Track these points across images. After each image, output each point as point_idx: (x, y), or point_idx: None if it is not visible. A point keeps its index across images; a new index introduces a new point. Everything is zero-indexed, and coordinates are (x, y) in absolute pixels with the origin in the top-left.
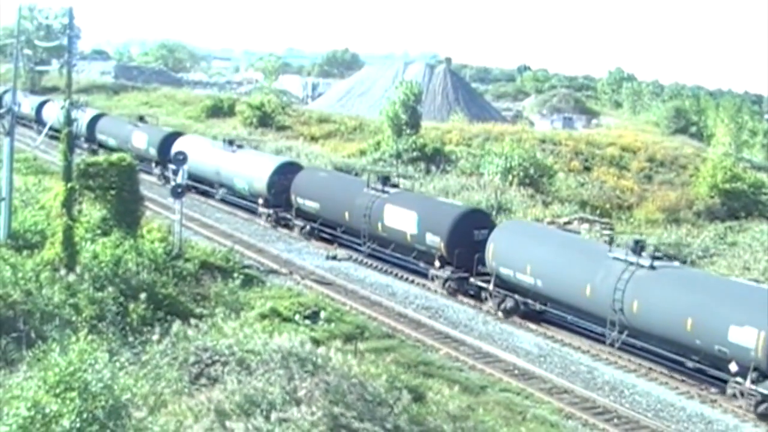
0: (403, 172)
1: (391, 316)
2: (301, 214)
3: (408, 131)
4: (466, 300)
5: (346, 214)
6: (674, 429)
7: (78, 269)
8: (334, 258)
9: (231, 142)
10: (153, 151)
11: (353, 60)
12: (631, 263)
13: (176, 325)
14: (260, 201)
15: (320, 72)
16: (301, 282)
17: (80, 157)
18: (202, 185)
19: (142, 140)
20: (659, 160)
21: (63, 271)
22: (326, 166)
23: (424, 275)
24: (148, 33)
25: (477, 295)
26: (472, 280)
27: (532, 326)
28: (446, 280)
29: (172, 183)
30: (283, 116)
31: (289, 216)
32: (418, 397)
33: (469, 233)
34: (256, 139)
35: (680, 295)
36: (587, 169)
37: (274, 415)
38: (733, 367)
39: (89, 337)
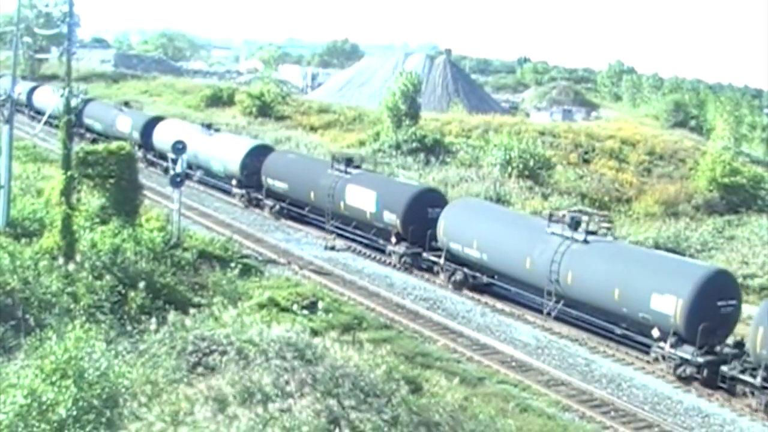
0: (402, 163)
1: (389, 307)
2: (271, 194)
3: (407, 122)
4: (468, 294)
5: (312, 194)
6: (671, 422)
7: (77, 258)
8: (333, 248)
9: (209, 126)
10: (136, 135)
11: (353, 50)
12: (567, 238)
13: (173, 315)
14: (234, 182)
15: (320, 62)
16: (300, 272)
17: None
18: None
19: (126, 124)
20: (658, 153)
21: (61, 260)
22: (325, 156)
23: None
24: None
25: (430, 269)
26: (425, 254)
27: (530, 318)
28: (402, 256)
29: (171, 171)
30: (283, 106)
31: (260, 196)
32: (416, 389)
33: (423, 211)
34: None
35: (609, 266)
36: (586, 161)
37: (272, 405)
38: (656, 332)
39: (86, 326)
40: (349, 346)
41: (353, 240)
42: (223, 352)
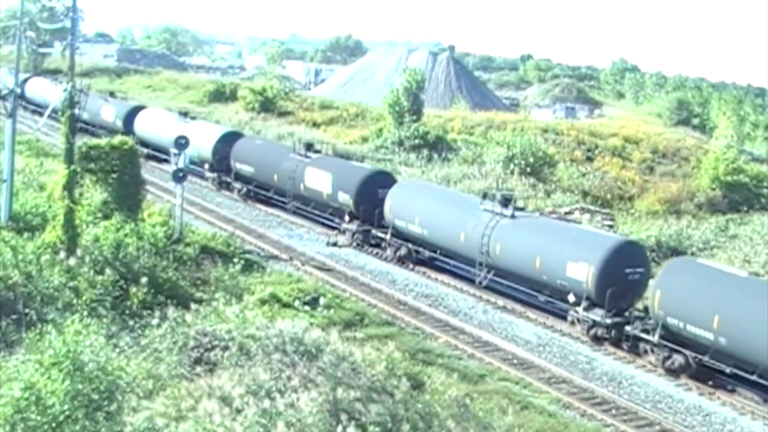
0: (405, 160)
1: (391, 304)
2: (240, 177)
3: (410, 119)
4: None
5: (275, 177)
6: (672, 420)
7: (78, 252)
8: (335, 245)
9: (185, 114)
10: (119, 123)
11: (356, 46)
12: (497, 213)
13: (173, 310)
14: (206, 166)
15: (323, 58)
16: (301, 268)
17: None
18: (160, 153)
19: (110, 113)
20: (661, 151)
21: (63, 254)
22: (327, 152)
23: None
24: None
25: (378, 245)
26: (373, 231)
27: (532, 316)
28: (354, 233)
29: (174, 167)
30: (286, 102)
31: (229, 179)
32: (417, 385)
33: (374, 191)
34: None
35: (531, 238)
36: (589, 159)
37: (275, 400)
38: (571, 297)
39: (85, 320)
40: (351, 342)
41: (311, 219)
42: (225, 348)
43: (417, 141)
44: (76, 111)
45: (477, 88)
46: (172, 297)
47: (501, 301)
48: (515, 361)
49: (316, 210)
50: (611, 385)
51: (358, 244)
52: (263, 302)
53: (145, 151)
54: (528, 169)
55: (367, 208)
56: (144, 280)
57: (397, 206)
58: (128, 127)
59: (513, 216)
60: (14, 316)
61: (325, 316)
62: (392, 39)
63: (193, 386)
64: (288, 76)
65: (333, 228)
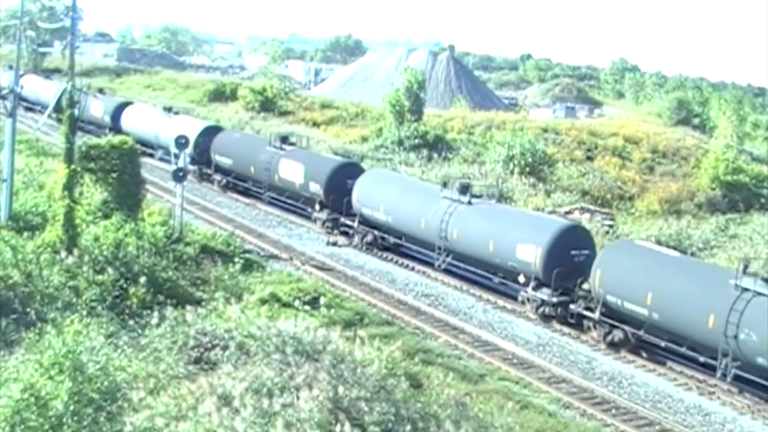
0: (405, 159)
1: (391, 303)
2: (219, 169)
3: (410, 118)
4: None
5: (252, 168)
6: (672, 420)
7: (78, 252)
8: (335, 244)
9: (169, 110)
10: (107, 119)
11: (356, 46)
12: (455, 200)
13: (172, 310)
14: (188, 159)
15: (323, 57)
16: (301, 267)
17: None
18: (145, 147)
19: (99, 109)
20: (661, 151)
21: (63, 254)
22: (326, 151)
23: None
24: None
25: (346, 233)
26: (342, 219)
27: (532, 315)
28: (324, 221)
29: (174, 166)
30: (286, 101)
31: (209, 171)
32: (417, 385)
33: (343, 182)
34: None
35: (485, 223)
36: (589, 159)
37: (275, 400)
38: (521, 278)
39: (85, 320)
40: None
41: (285, 209)
42: (225, 347)
43: (417, 141)
44: (76, 111)
45: (477, 88)
46: (171, 297)
47: (501, 301)
48: (515, 360)
49: (289, 200)
50: (611, 385)
51: (328, 232)
52: (263, 302)
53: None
54: (528, 169)
55: (336, 197)
56: (143, 279)
57: (363, 195)
58: (116, 122)
59: (470, 203)
60: (14, 316)
61: (326, 315)
62: (392, 38)
63: (193, 386)
64: (288, 76)
65: (305, 217)
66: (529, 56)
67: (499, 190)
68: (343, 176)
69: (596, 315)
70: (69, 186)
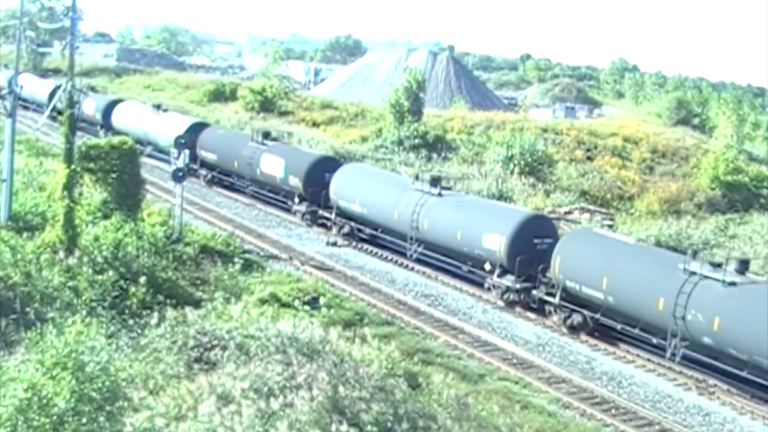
0: (404, 159)
1: (391, 303)
2: (205, 164)
3: (410, 118)
4: (426, 271)
5: (235, 163)
6: (671, 420)
7: (78, 252)
8: (334, 244)
9: (158, 107)
10: (98, 116)
11: (356, 46)
12: (426, 192)
13: (172, 311)
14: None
15: (323, 58)
16: (301, 267)
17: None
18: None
19: (90, 106)
20: (661, 151)
21: (63, 254)
22: (327, 152)
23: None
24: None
25: (325, 225)
26: (320, 212)
27: (531, 315)
28: (303, 214)
29: (173, 166)
30: (285, 101)
31: (195, 167)
32: (416, 385)
33: (321, 175)
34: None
35: (454, 213)
36: (589, 159)
37: (275, 400)
38: (487, 266)
39: (86, 320)
40: (351, 341)
41: (266, 202)
42: (225, 347)
43: (416, 141)
44: (60, 105)
45: (476, 88)
46: (171, 297)
47: (500, 302)
48: (515, 360)
49: (270, 193)
50: (611, 385)
51: (308, 225)
52: (263, 302)
53: None
54: (527, 169)
55: (314, 190)
56: (143, 279)
57: (340, 188)
58: (107, 119)
59: (440, 194)
60: (14, 316)
61: (325, 315)
62: (392, 39)
63: (193, 386)
64: (288, 76)
65: (286, 210)
66: (528, 56)
67: (498, 189)
68: (321, 170)
69: (556, 300)
70: (69, 186)
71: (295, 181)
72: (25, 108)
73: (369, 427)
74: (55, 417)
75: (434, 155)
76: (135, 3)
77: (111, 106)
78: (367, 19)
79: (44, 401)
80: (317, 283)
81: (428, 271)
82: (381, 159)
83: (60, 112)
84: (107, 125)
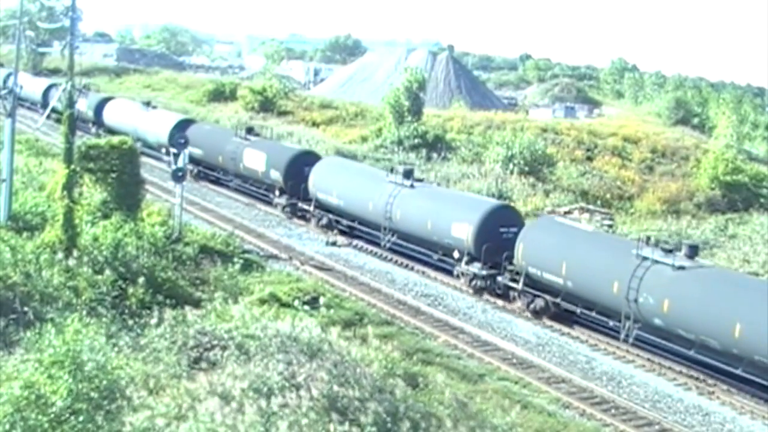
0: (404, 159)
1: (391, 303)
2: (191, 159)
3: (410, 118)
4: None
5: (220, 158)
6: (671, 420)
7: (77, 252)
8: (334, 244)
9: (147, 104)
10: (90, 113)
11: (356, 46)
12: (399, 184)
13: (171, 311)
14: (163, 150)
15: (323, 58)
16: (301, 267)
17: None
18: None
19: (82, 104)
20: (660, 151)
21: (62, 254)
22: (327, 152)
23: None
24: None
25: (304, 217)
26: (300, 204)
27: (530, 315)
28: (284, 206)
29: (173, 166)
30: (285, 101)
31: None
32: (416, 385)
33: (301, 169)
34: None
35: (425, 204)
36: (589, 159)
37: (275, 399)
38: (456, 254)
39: (85, 319)
40: (351, 341)
41: (249, 194)
42: (225, 347)
43: (416, 140)
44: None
45: (476, 88)
46: (171, 297)
47: (500, 302)
48: (514, 360)
49: (252, 186)
50: (610, 385)
51: (288, 217)
52: (262, 302)
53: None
54: (527, 169)
55: (294, 183)
56: (143, 279)
57: (319, 181)
58: (98, 116)
59: (412, 186)
60: (13, 316)
61: (325, 315)
62: (392, 39)
63: (193, 385)
64: (288, 76)
65: (267, 202)
66: (528, 56)
67: (498, 189)
68: (301, 164)
69: (520, 286)
70: (68, 186)
71: (276, 175)
72: (20, 105)
73: (369, 427)
74: (52, 416)
75: (434, 155)
76: (135, 3)
77: (102, 103)
78: (367, 19)
79: (41, 400)
80: (317, 283)
81: (428, 270)
82: (381, 159)
83: (54, 110)
84: (99, 122)
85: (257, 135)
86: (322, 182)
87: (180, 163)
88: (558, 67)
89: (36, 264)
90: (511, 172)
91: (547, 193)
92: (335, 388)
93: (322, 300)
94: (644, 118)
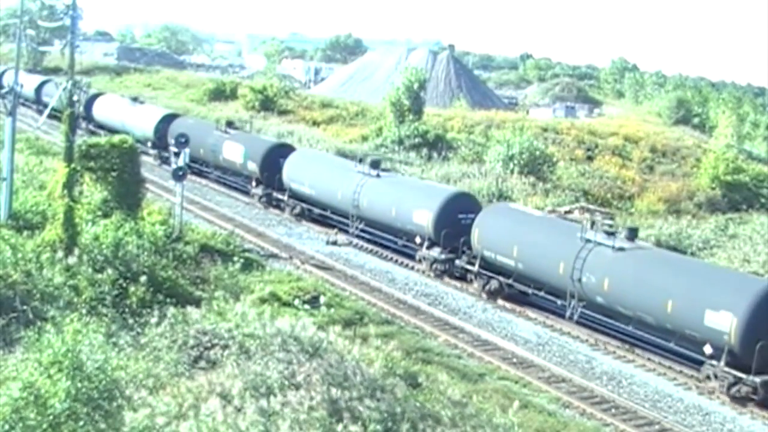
0: (405, 159)
1: (391, 302)
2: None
3: (410, 117)
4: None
5: (201, 150)
6: (671, 420)
7: (78, 251)
8: (334, 243)
9: (135, 99)
10: (81, 109)
11: (356, 45)
12: (366, 174)
13: (173, 310)
14: (149, 144)
15: (323, 57)
16: (301, 266)
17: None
18: (111, 134)
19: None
20: (661, 150)
21: (63, 253)
22: (327, 151)
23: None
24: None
25: (278, 206)
26: (275, 194)
27: (531, 315)
28: (260, 196)
29: (173, 165)
30: (286, 100)
31: (166, 154)
32: (416, 384)
33: (276, 161)
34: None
35: (389, 192)
36: (589, 158)
37: (276, 399)
38: (418, 239)
39: (84, 318)
40: (351, 340)
41: (228, 185)
42: (225, 346)
43: (417, 140)
44: (45, 98)
45: (477, 87)
46: (171, 296)
47: (500, 301)
48: (515, 360)
49: (232, 178)
50: (611, 384)
51: (264, 206)
52: (263, 301)
53: (101, 132)
54: (527, 168)
55: (269, 174)
56: (143, 278)
57: (292, 172)
58: (88, 111)
59: (378, 175)
60: (13, 315)
61: (325, 315)
62: (392, 38)
63: (193, 384)
64: (288, 75)
65: (245, 192)
66: (529, 56)
67: (498, 189)
68: (276, 156)
69: (476, 268)
70: (69, 185)
71: (253, 166)
72: (3, 98)
73: (369, 427)
74: (51, 416)
75: (434, 154)
76: (135, 2)
77: (92, 99)
78: (368, 18)
79: (41, 401)
80: (317, 282)
81: (428, 270)
82: (381, 158)
83: (46, 107)
84: (89, 117)
85: (237, 129)
86: (295, 173)
87: (180, 162)
88: (558, 66)
89: (36, 263)
90: (512, 172)
91: (547, 193)
92: (335, 387)
93: (322, 299)
94: (645, 117)
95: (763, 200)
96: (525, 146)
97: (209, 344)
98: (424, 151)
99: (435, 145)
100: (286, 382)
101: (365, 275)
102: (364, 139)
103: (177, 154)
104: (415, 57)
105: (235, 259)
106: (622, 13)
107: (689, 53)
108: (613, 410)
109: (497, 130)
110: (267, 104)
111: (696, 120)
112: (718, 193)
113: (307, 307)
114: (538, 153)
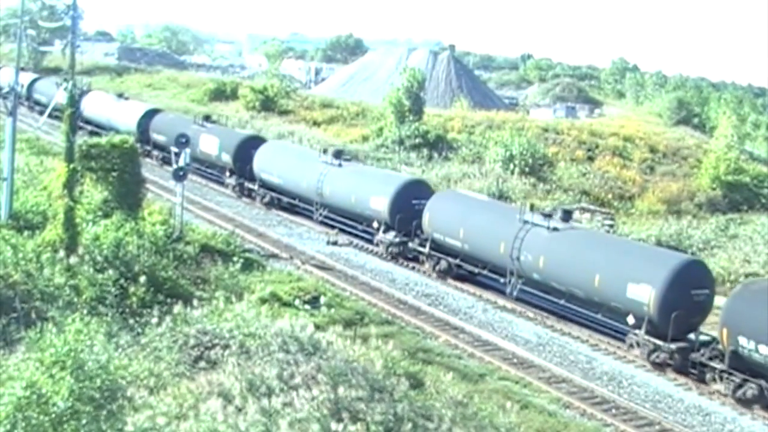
0: (405, 159)
1: (391, 303)
2: (157, 146)
3: (411, 118)
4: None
5: None
6: (672, 420)
7: (79, 251)
8: (335, 243)
9: (120, 95)
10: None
11: (357, 45)
12: (329, 164)
13: (175, 308)
14: (132, 138)
15: (324, 57)
16: (302, 267)
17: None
18: (98, 129)
19: (63, 96)
20: (661, 151)
21: (63, 253)
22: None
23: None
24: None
25: (250, 195)
26: (246, 184)
27: (531, 315)
28: (234, 186)
29: (174, 165)
30: (286, 100)
31: (149, 148)
32: (417, 384)
33: (249, 152)
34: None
35: (349, 180)
36: (590, 158)
37: (276, 399)
38: (375, 224)
39: (86, 318)
40: (352, 340)
41: (204, 176)
42: (226, 346)
43: (417, 140)
44: (37, 96)
45: (477, 88)
46: (172, 296)
47: (501, 301)
48: (515, 360)
49: (207, 169)
50: (611, 385)
51: (238, 196)
52: (263, 301)
53: (89, 128)
54: (528, 169)
55: (242, 165)
56: (144, 278)
57: (262, 162)
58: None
59: (340, 165)
60: (14, 315)
61: (326, 315)
62: (393, 38)
63: (194, 384)
64: (289, 75)
65: (220, 183)
66: (529, 56)
67: (499, 189)
68: (249, 147)
69: (427, 250)
70: (69, 185)
71: (227, 158)
72: (4, 98)
73: (372, 427)
74: (54, 416)
75: (435, 154)
76: (136, 2)
77: (80, 96)
78: (368, 19)
79: (43, 400)
80: (318, 283)
81: (428, 270)
82: (382, 158)
83: (36, 102)
84: (77, 114)
85: (213, 122)
86: (264, 164)
87: (181, 162)
88: (559, 66)
89: (37, 263)
90: (512, 172)
91: (547, 193)
92: (335, 387)
93: (322, 299)
94: (645, 118)
95: (763, 200)
96: (524, 147)
97: (210, 344)
98: (425, 151)
99: (435, 146)
100: (289, 381)
101: (366, 275)
102: (365, 139)
103: (177, 154)
104: (416, 57)
105: (236, 259)
106: (622, 13)
107: (690, 54)
108: (613, 411)
109: (498, 130)
110: (267, 104)
111: (696, 120)
112: (719, 193)
113: (307, 307)
114: (540, 153)
